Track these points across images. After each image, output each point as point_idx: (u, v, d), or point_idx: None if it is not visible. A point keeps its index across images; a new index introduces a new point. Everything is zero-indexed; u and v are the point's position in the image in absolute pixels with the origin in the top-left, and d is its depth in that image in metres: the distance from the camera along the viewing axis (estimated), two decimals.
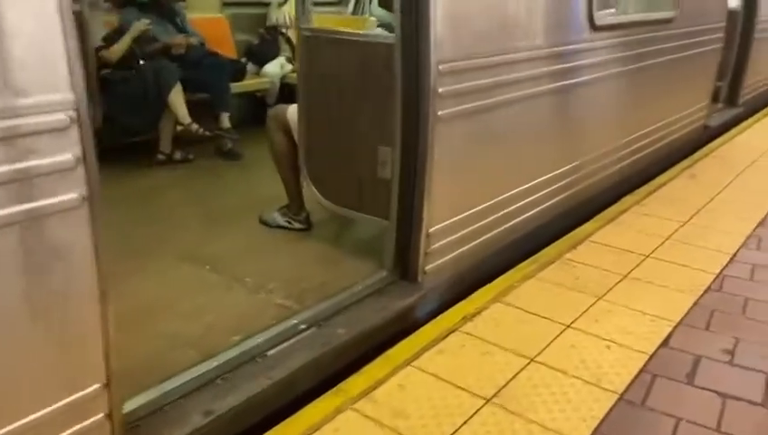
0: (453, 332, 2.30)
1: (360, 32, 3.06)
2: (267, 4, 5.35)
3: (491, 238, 2.82)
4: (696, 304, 2.53)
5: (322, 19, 3.36)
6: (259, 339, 2.08)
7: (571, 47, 3.07)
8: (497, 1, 2.58)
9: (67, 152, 1.34)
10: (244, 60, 4.96)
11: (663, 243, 3.10)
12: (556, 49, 2.97)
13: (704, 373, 2.08)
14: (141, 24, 3.94)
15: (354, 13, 4.91)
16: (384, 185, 2.49)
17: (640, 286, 2.67)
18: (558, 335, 2.28)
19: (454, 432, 1.78)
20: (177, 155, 4.09)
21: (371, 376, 2.03)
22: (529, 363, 2.12)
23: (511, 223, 2.93)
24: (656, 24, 3.86)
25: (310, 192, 2.84)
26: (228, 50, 4.70)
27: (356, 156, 2.62)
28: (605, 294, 2.60)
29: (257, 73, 4.96)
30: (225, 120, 4.20)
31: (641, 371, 2.08)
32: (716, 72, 5.15)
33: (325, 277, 2.55)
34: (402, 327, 2.36)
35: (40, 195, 1.31)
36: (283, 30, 5.15)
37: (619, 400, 1.93)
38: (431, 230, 2.47)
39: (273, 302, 2.38)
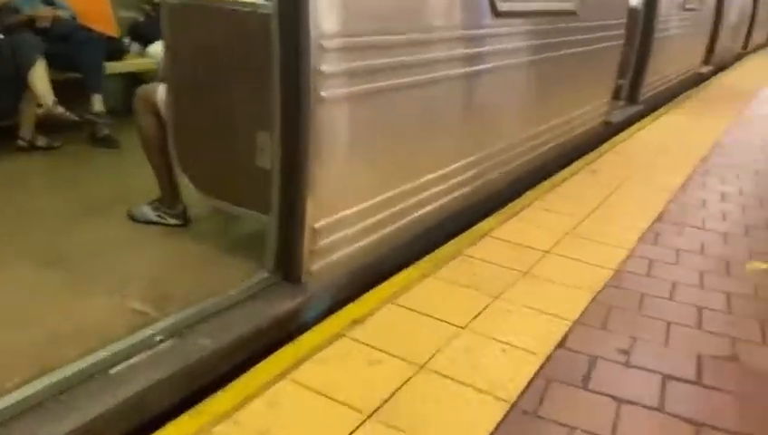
0: (339, 338, 2.08)
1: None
2: None
3: (387, 235, 2.61)
4: (593, 300, 2.44)
5: None
6: (104, 353, 1.76)
7: (471, 32, 2.91)
8: None
9: None
10: (127, 39, 4.50)
11: (563, 238, 3.03)
12: (456, 33, 2.79)
13: (599, 376, 1.97)
14: None
15: None
16: (264, 175, 2.21)
17: (539, 284, 2.56)
18: (452, 339, 2.11)
19: None
20: (41, 141, 3.62)
21: (239, 393, 1.77)
22: (418, 372, 1.92)
23: (408, 218, 2.74)
24: (559, 15, 3.81)
25: (183, 183, 2.52)
26: (108, 26, 4.21)
27: (232, 142, 2.33)
28: (504, 292, 2.46)
29: (142, 54, 4.51)
30: (98, 103, 3.76)
31: (536, 375, 1.94)
32: (618, 69, 5.23)
33: (196, 280, 2.25)
34: (282, 335, 2.10)
35: None
36: None
37: (512, 409, 1.78)
38: (317, 226, 2.23)
39: (129, 307, 2.06)
